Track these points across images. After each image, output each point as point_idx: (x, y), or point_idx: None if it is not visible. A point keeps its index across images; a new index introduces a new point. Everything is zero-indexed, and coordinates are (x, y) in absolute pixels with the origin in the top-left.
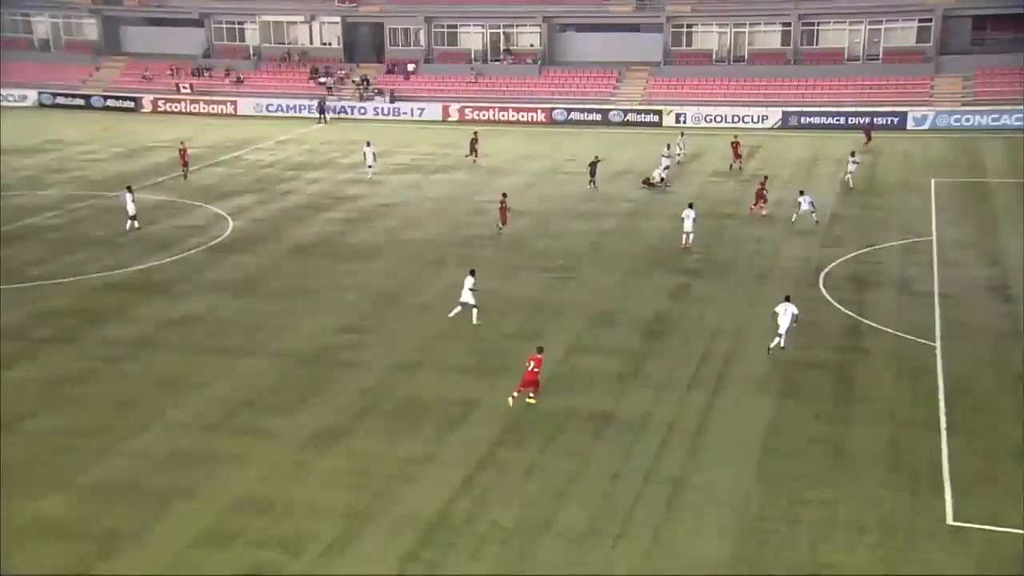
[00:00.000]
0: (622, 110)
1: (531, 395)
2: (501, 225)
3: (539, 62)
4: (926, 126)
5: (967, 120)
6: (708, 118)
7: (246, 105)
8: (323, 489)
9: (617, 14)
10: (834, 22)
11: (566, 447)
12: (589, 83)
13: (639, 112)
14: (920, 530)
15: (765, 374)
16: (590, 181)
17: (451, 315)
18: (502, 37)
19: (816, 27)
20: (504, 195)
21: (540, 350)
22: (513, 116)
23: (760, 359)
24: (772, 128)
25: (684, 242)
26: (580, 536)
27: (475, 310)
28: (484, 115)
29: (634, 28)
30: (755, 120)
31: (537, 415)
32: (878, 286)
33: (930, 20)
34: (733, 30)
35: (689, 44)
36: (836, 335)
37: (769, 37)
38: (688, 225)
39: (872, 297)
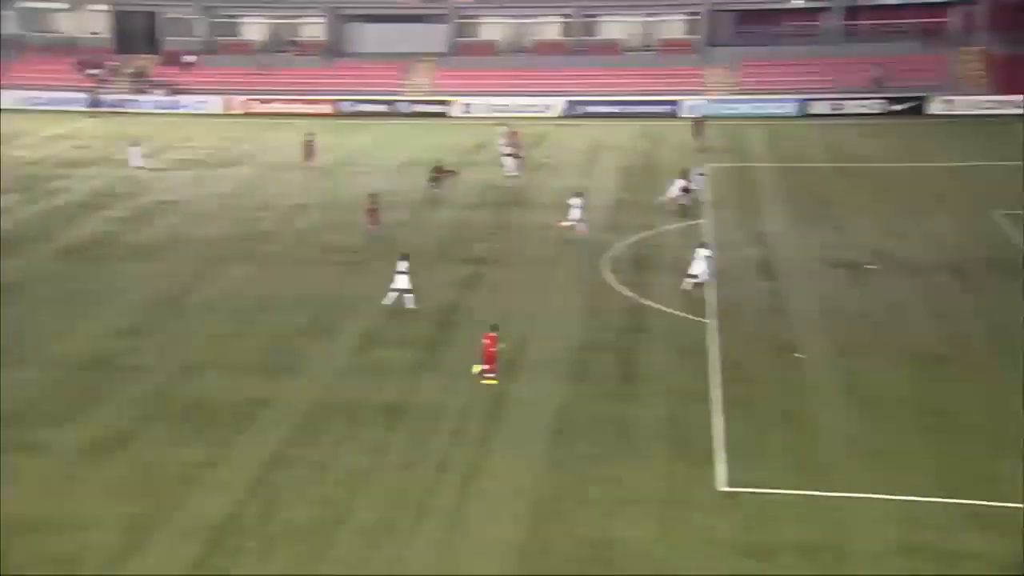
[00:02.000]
0: (410, 101)
1: (490, 376)
2: (371, 227)
3: (325, 54)
4: (699, 114)
5: (735, 108)
6: (495, 108)
7: (7, 99)
8: (102, 501)
9: (402, 5)
10: (611, 14)
11: (360, 441)
12: (376, 75)
13: (427, 103)
14: (696, 498)
15: (554, 358)
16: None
17: (387, 303)
18: (285, 28)
19: (595, 19)
20: (372, 196)
21: (495, 328)
22: (300, 109)
23: (549, 345)
24: (556, 118)
25: (570, 226)
26: (375, 530)
27: (410, 295)
28: (270, 108)
29: (420, 19)
30: (540, 109)
31: (329, 410)
32: (657, 268)
33: (698, 13)
34: (516, 21)
35: (474, 35)
36: (620, 317)
37: (551, 28)
38: (575, 213)
39: (652, 279)
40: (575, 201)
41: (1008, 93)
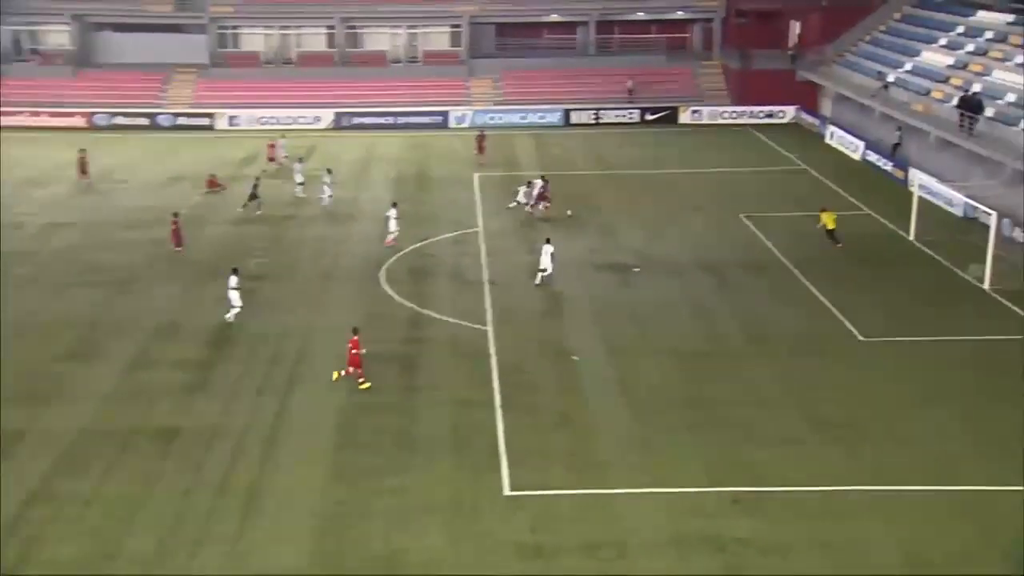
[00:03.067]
0: (172, 114)
1: (362, 380)
2: (176, 248)
3: (72, 63)
4: (466, 123)
5: (501, 118)
6: (262, 120)
7: None
8: None
9: (156, 13)
10: (376, 26)
11: (131, 469)
12: (133, 86)
13: (190, 115)
14: (481, 504)
15: (334, 371)
16: (251, 200)
17: (228, 317)
18: (26, 35)
19: (359, 31)
20: (175, 215)
21: (356, 331)
22: (48, 121)
23: (329, 358)
24: (326, 129)
25: (389, 240)
26: (149, 562)
27: (235, 309)
28: (15, 121)
29: (177, 28)
30: (309, 121)
31: (96, 438)
32: (434, 277)
33: (459, 26)
34: (279, 32)
35: (236, 46)
36: (400, 327)
37: (315, 40)
38: (392, 225)
39: (430, 288)
40: (392, 212)
41: (743, 104)
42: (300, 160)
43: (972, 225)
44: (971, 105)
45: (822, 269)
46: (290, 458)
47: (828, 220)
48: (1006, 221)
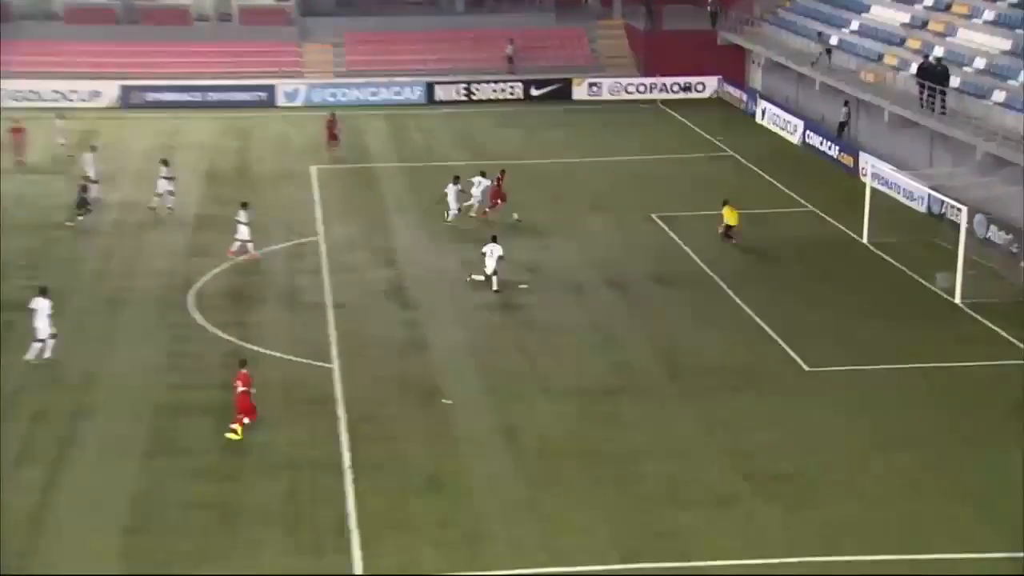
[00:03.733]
0: None
1: (236, 430)
2: None
3: None
4: (298, 102)
5: (344, 94)
6: (19, 96)
7: None
8: None
9: None
10: None
11: None
12: None
13: None
14: None
15: (127, 429)
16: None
17: (30, 357)
18: None
19: None
20: None
21: (243, 364)
22: None
23: (118, 413)
24: (109, 108)
25: (240, 250)
26: None
27: (51, 341)
28: None
29: None
30: (86, 97)
31: None
32: (262, 302)
33: None
34: None
35: None
36: (217, 369)
37: None
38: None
39: (256, 316)
40: (242, 216)
41: (652, 75)
42: (92, 148)
43: (939, 224)
44: (933, 74)
45: (757, 282)
46: (62, 548)
47: (730, 216)
48: (979, 218)
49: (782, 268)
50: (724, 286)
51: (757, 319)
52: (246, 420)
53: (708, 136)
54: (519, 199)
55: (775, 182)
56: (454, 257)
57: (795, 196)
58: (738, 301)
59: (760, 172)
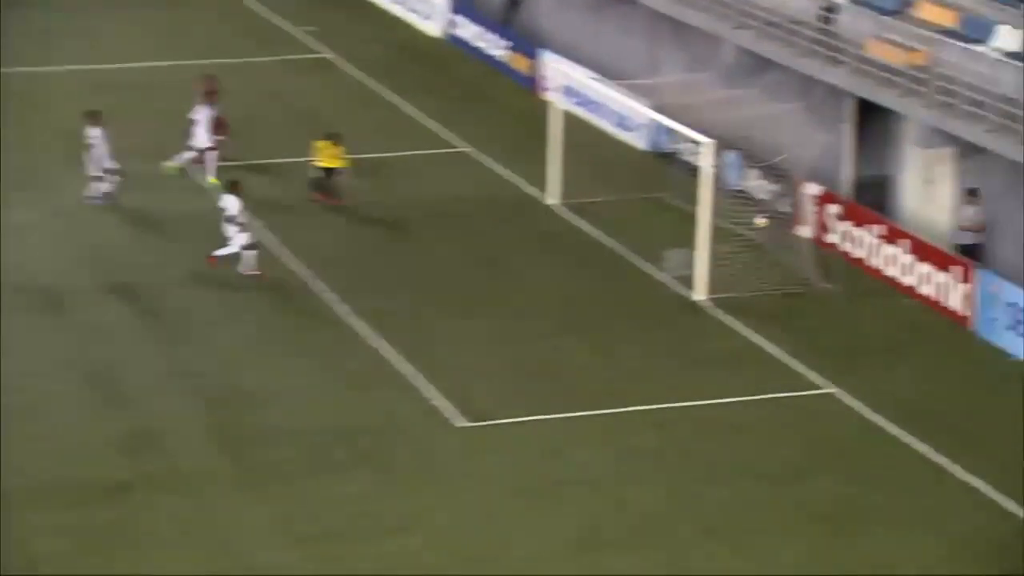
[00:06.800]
0: None
1: None
2: None
3: None
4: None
5: None
6: None
7: None
8: None
9: None
10: None
11: None
12: None
13: None
14: None
15: None
16: None
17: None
18: None
19: None
20: None
21: None
22: None
23: None
24: None
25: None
26: None
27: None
28: None
29: None
30: None
31: None
32: None
33: None
34: None
35: None
36: None
37: None
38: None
39: None
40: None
41: None
42: None
43: (668, 169)
44: None
45: (378, 280)
46: None
47: (327, 157)
48: (733, 157)
49: (411, 252)
50: (327, 290)
51: (379, 343)
52: None
53: (290, 26)
54: None
55: (403, 103)
56: None
57: (436, 127)
58: (344, 315)
59: (377, 87)
